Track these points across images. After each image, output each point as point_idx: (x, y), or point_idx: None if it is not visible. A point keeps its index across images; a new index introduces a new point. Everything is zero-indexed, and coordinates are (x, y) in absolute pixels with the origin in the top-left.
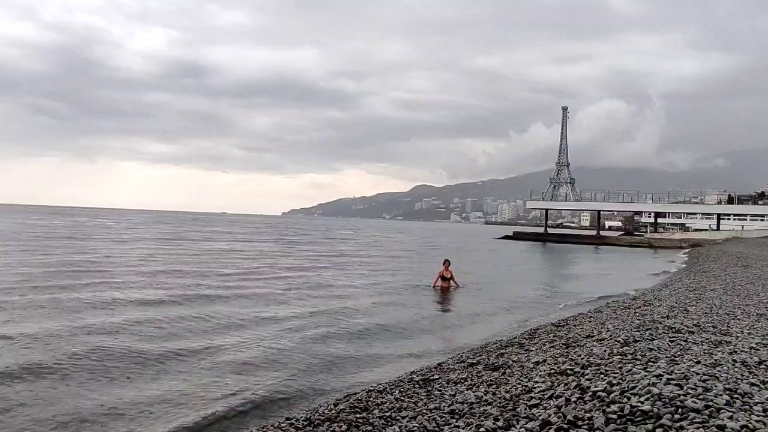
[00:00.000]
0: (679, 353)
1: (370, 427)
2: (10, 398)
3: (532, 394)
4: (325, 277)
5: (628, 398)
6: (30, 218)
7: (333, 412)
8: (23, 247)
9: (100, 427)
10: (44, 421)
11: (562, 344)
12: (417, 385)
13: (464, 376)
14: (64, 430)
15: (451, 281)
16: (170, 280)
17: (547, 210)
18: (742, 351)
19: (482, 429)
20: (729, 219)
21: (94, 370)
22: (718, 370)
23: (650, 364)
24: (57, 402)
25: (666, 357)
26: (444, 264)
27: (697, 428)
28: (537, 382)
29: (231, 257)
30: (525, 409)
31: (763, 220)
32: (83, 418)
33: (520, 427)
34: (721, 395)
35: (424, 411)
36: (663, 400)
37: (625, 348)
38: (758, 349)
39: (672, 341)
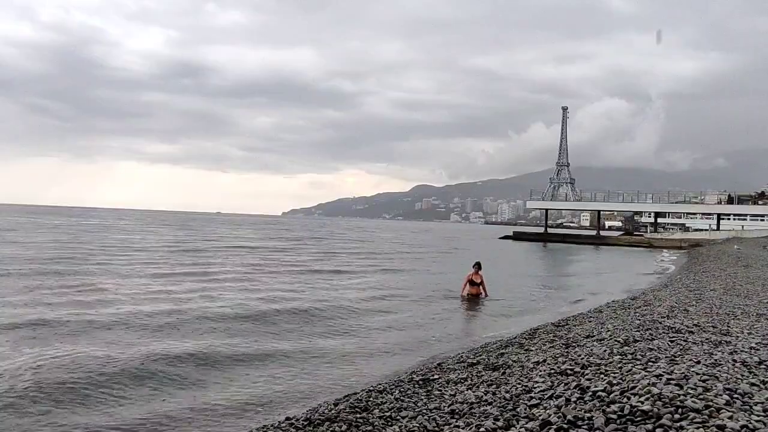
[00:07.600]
0: (679, 353)
1: (370, 427)
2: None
3: (532, 394)
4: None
5: (628, 398)
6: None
7: (333, 412)
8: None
9: None
10: None
11: (562, 344)
12: (417, 385)
13: (464, 376)
14: None
15: (481, 287)
16: None
17: (547, 210)
18: (742, 351)
19: (482, 429)
20: (729, 219)
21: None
22: (718, 370)
23: (650, 364)
24: None
25: (666, 357)
26: (474, 267)
27: (697, 428)
28: (537, 382)
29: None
30: (525, 409)
31: (763, 220)
32: None
33: (520, 427)
34: (721, 395)
35: (424, 411)
36: (663, 400)
37: (625, 348)
38: (758, 349)
39: (672, 341)
